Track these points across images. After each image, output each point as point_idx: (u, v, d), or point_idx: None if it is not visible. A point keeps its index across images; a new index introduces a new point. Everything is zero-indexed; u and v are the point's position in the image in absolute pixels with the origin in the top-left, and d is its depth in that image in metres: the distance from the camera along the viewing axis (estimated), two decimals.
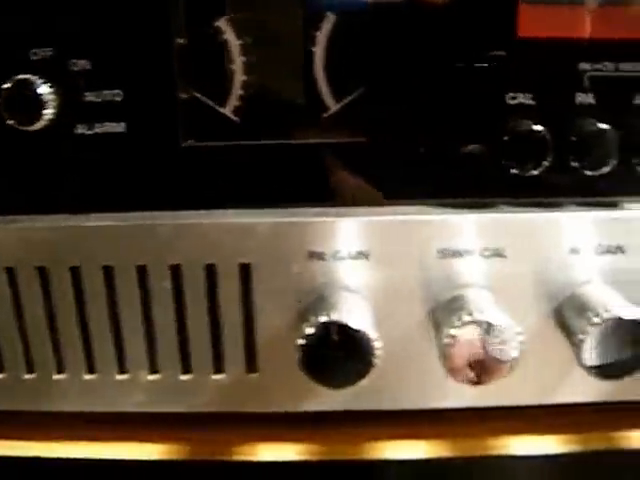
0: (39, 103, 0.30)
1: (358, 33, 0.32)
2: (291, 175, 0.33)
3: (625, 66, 0.32)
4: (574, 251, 0.33)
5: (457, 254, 0.32)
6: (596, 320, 0.29)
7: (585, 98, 0.32)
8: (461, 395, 0.33)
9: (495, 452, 0.34)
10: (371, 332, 0.29)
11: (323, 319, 0.29)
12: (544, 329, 0.32)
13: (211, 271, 0.32)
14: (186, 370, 0.33)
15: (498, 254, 0.32)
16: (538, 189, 0.32)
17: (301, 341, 0.29)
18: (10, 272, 0.32)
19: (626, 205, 0.33)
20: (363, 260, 0.32)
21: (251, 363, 0.33)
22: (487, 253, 0.32)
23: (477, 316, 0.29)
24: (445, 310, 0.31)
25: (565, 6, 0.31)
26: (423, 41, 0.31)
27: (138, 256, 0.32)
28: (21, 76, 0.29)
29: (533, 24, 0.31)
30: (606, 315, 0.29)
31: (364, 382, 0.30)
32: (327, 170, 0.33)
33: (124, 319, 0.32)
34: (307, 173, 0.33)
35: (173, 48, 0.31)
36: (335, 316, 0.29)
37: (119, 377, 0.33)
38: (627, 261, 0.33)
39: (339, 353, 0.29)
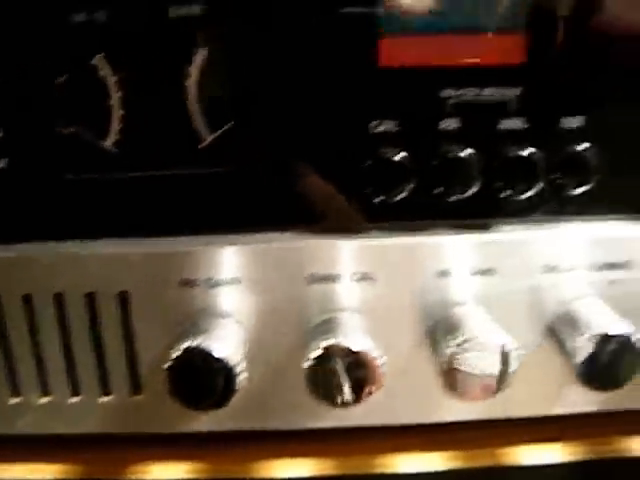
0: None
1: (227, 68, 0.33)
2: (168, 205, 0.34)
3: (487, 91, 0.33)
4: (444, 274, 0.33)
5: (328, 279, 0.33)
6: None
7: (449, 124, 0.33)
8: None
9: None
10: (234, 358, 0.31)
11: (186, 345, 0.30)
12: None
13: (92, 299, 0.33)
14: (75, 393, 0.35)
15: (368, 278, 0.33)
16: (405, 213, 0.33)
17: (167, 364, 0.30)
18: None
19: (496, 227, 0.34)
20: (236, 285, 0.33)
21: (135, 386, 0.34)
22: (356, 277, 0.33)
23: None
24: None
25: (425, 36, 0.32)
26: (287, 72, 0.32)
27: (24, 285, 0.33)
28: None
29: (394, 54, 0.32)
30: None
31: (229, 405, 0.31)
32: (202, 199, 0.34)
33: (14, 344, 0.34)
34: (183, 202, 0.34)
35: (53, 86, 0.33)
36: (198, 342, 0.30)
37: (12, 400, 0.35)
38: (499, 283, 0.33)
39: (201, 378, 0.30)
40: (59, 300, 0.34)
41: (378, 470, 0.35)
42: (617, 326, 0.31)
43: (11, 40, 0.31)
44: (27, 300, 0.34)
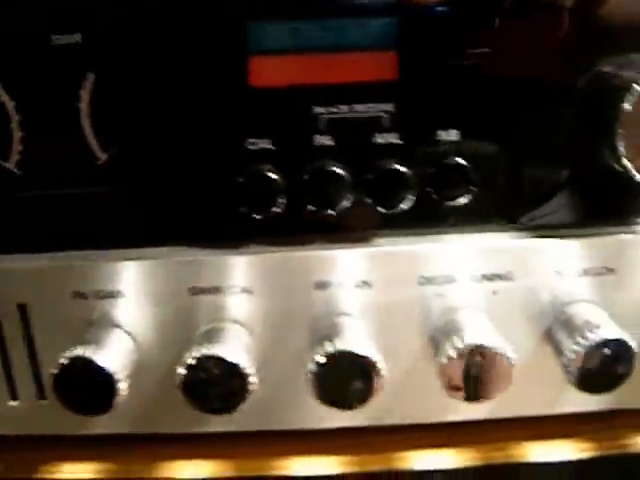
0: None
1: (113, 91, 0.34)
2: (67, 220, 0.36)
3: (360, 107, 0.33)
4: (323, 285, 0.35)
5: (212, 291, 0.35)
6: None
7: (322, 140, 0.34)
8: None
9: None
10: (115, 371, 0.33)
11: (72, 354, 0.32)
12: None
13: None
14: None
15: (247, 291, 0.35)
16: (281, 229, 0.34)
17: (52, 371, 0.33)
18: None
19: (372, 240, 0.35)
20: (120, 299, 0.35)
21: (41, 391, 0.37)
22: (237, 290, 0.35)
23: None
24: None
25: (295, 54, 0.33)
26: (165, 94, 0.34)
27: None
28: None
29: (265, 73, 0.33)
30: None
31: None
32: (99, 215, 0.36)
33: None
34: (81, 219, 0.36)
35: None
36: (81, 351, 0.33)
37: None
38: (378, 295, 0.34)
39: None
40: None
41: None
42: (489, 338, 0.32)
43: None
44: None
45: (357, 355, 0.32)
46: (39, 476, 0.38)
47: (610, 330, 0.33)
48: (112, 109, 0.34)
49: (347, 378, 0.32)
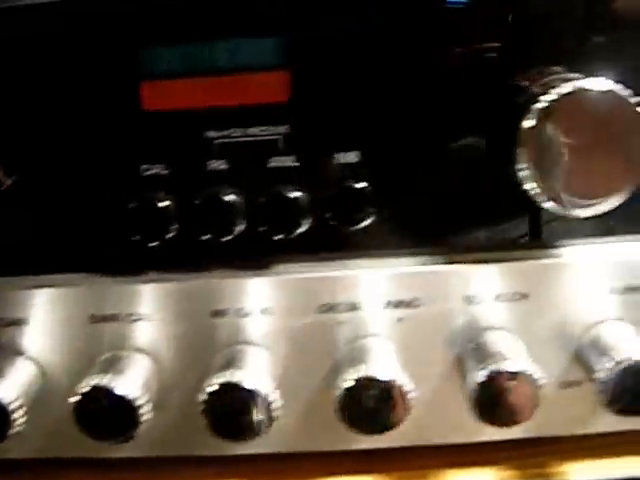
0: None
1: (14, 119, 0.34)
2: None
3: (253, 130, 0.33)
4: (220, 314, 0.34)
5: (109, 319, 0.34)
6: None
7: (216, 165, 0.33)
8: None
9: None
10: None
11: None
12: None
13: None
14: None
15: (146, 318, 0.34)
16: (176, 256, 0.34)
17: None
18: None
19: (271, 267, 0.34)
20: (24, 326, 0.35)
21: None
22: (135, 318, 0.34)
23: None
24: None
25: (187, 79, 0.32)
26: (60, 120, 0.33)
27: None
28: None
29: (157, 97, 0.33)
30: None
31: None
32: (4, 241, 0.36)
33: None
34: None
35: None
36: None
37: None
38: (279, 323, 0.34)
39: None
40: None
41: None
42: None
43: None
44: None
45: (243, 388, 0.31)
46: None
47: (515, 364, 0.31)
48: (11, 136, 0.34)
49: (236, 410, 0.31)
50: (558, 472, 0.36)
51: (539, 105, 0.30)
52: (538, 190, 0.30)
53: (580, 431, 0.35)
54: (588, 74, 0.31)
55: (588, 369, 0.33)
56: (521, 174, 0.30)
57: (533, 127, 0.30)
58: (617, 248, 0.34)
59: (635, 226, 0.34)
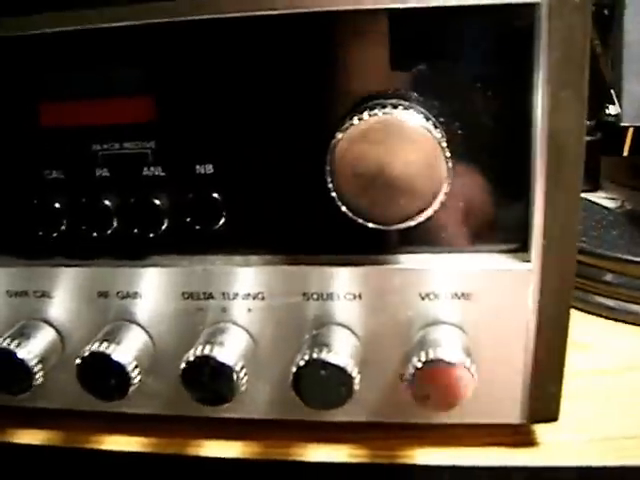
0: None
1: None
2: None
3: (128, 145, 0.39)
4: (104, 295, 0.41)
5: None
6: None
7: (101, 173, 0.40)
8: None
9: None
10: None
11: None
12: None
13: None
14: None
15: (47, 295, 0.42)
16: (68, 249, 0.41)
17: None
18: None
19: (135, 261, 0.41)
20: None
21: None
22: (38, 294, 0.42)
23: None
24: None
25: (75, 100, 0.40)
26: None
27: None
28: None
29: (52, 115, 0.40)
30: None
31: None
32: None
33: None
34: None
35: None
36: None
37: None
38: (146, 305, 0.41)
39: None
40: None
41: None
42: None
43: None
44: None
45: (112, 359, 0.38)
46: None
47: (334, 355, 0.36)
48: None
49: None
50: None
51: (346, 127, 0.34)
52: (345, 208, 0.35)
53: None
54: (406, 99, 0.35)
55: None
56: (332, 192, 0.35)
57: (340, 149, 0.35)
58: (447, 258, 0.38)
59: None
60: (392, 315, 0.39)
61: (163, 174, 0.39)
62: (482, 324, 0.38)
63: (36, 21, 0.38)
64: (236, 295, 0.40)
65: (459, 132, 0.37)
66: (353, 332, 0.39)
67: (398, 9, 0.34)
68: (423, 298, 0.39)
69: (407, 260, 0.39)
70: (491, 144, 0.36)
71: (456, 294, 0.38)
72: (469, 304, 0.38)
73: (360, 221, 0.36)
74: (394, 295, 0.39)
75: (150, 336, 0.41)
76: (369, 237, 0.38)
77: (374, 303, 0.39)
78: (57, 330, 0.43)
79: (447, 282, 0.38)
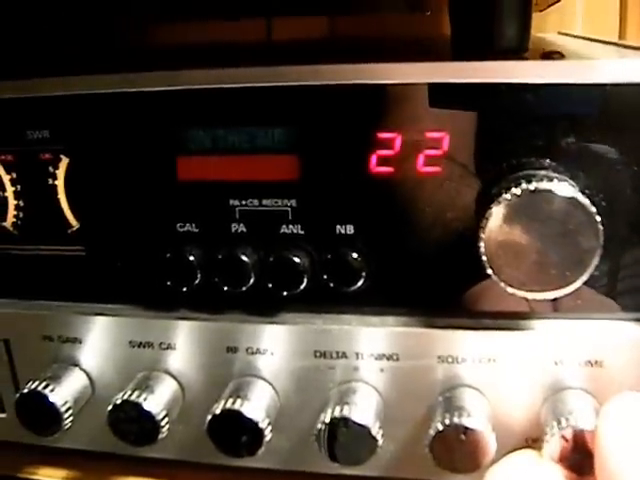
0: None
1: (81, 168, 0.43)
2: (46, 274, 0.45)
3: (267, 202, 0.40)
4: (233, 350, 0.42)
5: (145, 345, 0.43)
6: None
7: (237, 228, 0.41)
8: None
9: None
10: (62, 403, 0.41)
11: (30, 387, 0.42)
12: None
13: None
14: None
15: (170, 347, 0.42)
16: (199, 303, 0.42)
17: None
18: None
19: (276, 316, 0.41)
20: (80, 344, 0.44)
21: None
22: (164, 346, 0.42)
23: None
24: None
25: (215, 155, 0.40)
26: (116, 181, 0.42)
27: None
28: None
29: (190, 170, 0.41)
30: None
31: None
32: (71, 273, 0.45)
33: None
34: (57, 275, 0.45)
35: None
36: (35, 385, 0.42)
37: None
38: (278, 362, 0.41)
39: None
40: None
41: None
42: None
43: None
44: None
45: (244, 416, 0.38)
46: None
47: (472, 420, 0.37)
48: (84, 191, 0.43)
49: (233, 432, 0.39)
50: None
51: (503, 198, 0.35)
52: (494, 275, 0.36)
53: None
54: (556, 171, 0.36)
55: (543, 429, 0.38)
56: (482, 257, 0.36)
57: (495, 218, 0.35)
58: (582, 325, 0.39)
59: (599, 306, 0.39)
60: (524, 379, 0.40)
61: (302, 233, 0.40)
62: (613, 392, 0.39)
63: (182, 77, 0.39)
64: (370, 355, 0.40)
65: (603, 204, 0.38)
66: (484, 395, 0.40)
67: (553, 84, 0.35)
68: (556, 363, 0.39)
69: (543, 326, 0.39)
70: (633, 215, 0.37)
71: (589, 361, 0.39)
72: (601, 371, 0.39)
73: (508, 289, 0.36)
74: (527, 360, 0.39)
75: (276, 392, 0.42)
76: (508, 302, 0.39)
77: (507, 367, 0.40)
78: (179, 382, 0.43)
79: (580, 349, 0.39)
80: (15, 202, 0.45)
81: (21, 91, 0.42)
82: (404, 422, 0.41)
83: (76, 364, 0.44)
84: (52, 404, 0.42)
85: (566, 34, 0.68)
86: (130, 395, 0.41)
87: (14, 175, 0.44)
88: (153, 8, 0.65)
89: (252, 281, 0.40)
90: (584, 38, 0.61)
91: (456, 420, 0.38)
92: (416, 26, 0.75)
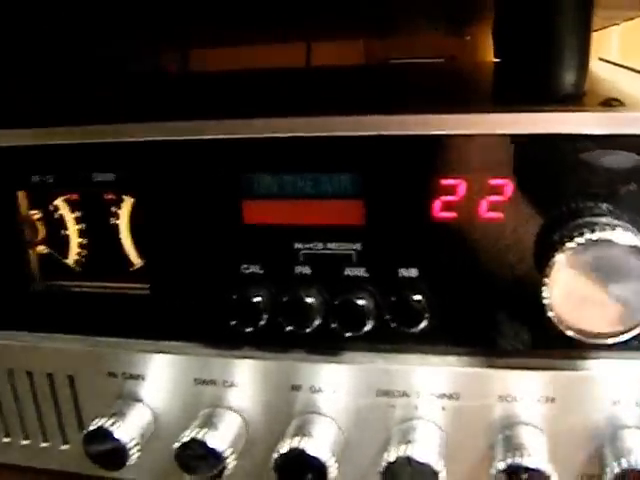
0: None
1: (146, 210, 0.45)
2: (106, 312, 0.47)
3: (331, 245, 0.42)
4: (296, 388, 0.43)
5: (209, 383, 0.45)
6: None
7: (301, 270, 0.42)
8: None
9: None
10: (127, 439, 0.43)
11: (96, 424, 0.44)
12: None
13: (51, 378, 0.48)
14: (44, 440, 0.49)
15: (233, 385, 0.44)
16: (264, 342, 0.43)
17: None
18: None
19: (340, 356, 0.43)
20: (143, 381, 0.45)
21: None
22: (228, 384, 0.44)
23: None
24: None
25: (280, 200, 0.42)
26: (180, 224, 0.44)
27: (6, 361, 0.48)
28: None
29: (255, 213, 0.42)
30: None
31: None
32: (132, 310, 0.47)
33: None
34: (117, 312, 0.47)
35: (23, 222, 0.47)
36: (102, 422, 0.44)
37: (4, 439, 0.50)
38: (344, 400, 0.43)
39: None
40: (30, 375, 0.48)
41: None
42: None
43: None
44: (10, 373, 0.48)
45: (307, 454, 0.40)
46: None
47: (533, 459, 0.39)
48: (143, 230, 0.45)
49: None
50: None
51: (567, 247, 0.37)
52: (556, 319, 0.38)
53: None
54: (616, 217, 0.38)
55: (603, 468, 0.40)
56: (545, 302, 0.38)
57: (559, 266, 0.37)
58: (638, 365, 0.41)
59: None
60: (583, 418, 0.41)
61: (366, 275, 0.41)
62: None
63: (252, 126, 0.41)
64: (431, 394, 0.42)
65: None
66: (542, 433, 0.42)
67: (615, 135, 0.37)
68: (614, 403, 0.41)
69: (600, 366, 0.41)
70: None
71: None
72: None
73: (569, 333, 0.38)
74: (586, 400, 0.41)
75: (340, 430, 0.43)
76: (566, 343, 0.40)
77: (566, 407, 0.41)
78: (243, 419, 0.44)
79: (638, 389, 0.41)
80: (78, 240, 0.47)
81: (89, 136, 0.43)
82: (464, 460, 0.42)
83: (140, 400, 0.46)
84: (119, 440, 0.43)
85: (607, 61, 0.69)
86: (197, 433, 0.42)
87: (78, 214, 0.46)
88: (198, 35, 0.67)
89: (317, 322, 0.42)
90: (627, 68, 0.63)
91: (518, 460, 0.39)
92: (452, 50, 0.77)
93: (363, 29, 0.68)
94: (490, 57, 0.79)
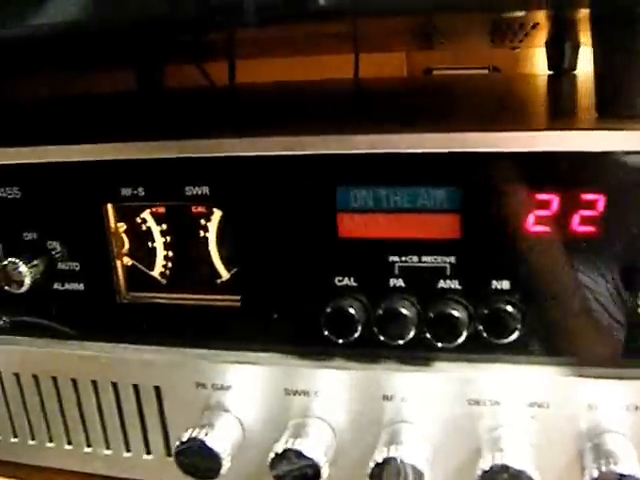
0: None
1: (238, 223, 0.46)
2: (194, 323, 0.48)
3: (426, 258, 0.43)
4: (388, 398, 0.45)
5: (300, 393, 0.46)
6: None
7: (396, 282, 0.44)
8: None
9: None
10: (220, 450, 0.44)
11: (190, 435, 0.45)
12: None
13: (137, 389, 0.49)
14: (127, 450, 0.50)
15: (321, 395, 0.45)
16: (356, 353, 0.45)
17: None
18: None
19: (431, 366, 0.44)
20: (231, 392, 0.47)
21: (168, 449, 0.49)
22: (320, 395, 0.46)
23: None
24: None
25: (375, 214, 0.43)
26: (274, 239, 0.45)
27: (90, 374, 0.49)
28: None
29: (350, 227, 0.44)
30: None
31: None
32: (219, 322, 0.48)
33: (86, 414, 0.50)
34: (206, 323, 0.48)
35: (112, 234, 0.48)
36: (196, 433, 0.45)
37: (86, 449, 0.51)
38: (436, 409, 0.44)
39: None
40: (114, 386, 0.49)
41: None
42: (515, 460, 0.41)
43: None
44: (94, 384, 0.49)
45: (401, 461, 0.42)
46: None
47: (625, 466, 0.40)
48: (234, 242, 0.46)
49: None
50: None
51: None
52: None
53: None
54: None
55: None
56: None
57: None
58: None
59: None
60: None
61: (459, 287, 0.43)
62: None
63: (350, 142, 0.42)
64: (521, 403, 0.43)
65: None
66: (629, 440, 0.43)
67: None
68: None
69: None
70: None
71: None
72: None
73: None
74: None
75: (429, 439, 0.45)
76: None
77: None
78: (332, 428, 0.46)
79: None
80: (164, 252, 0.48)
81: (185, 151, 0.44)
82: (553, 468, 0.44)
83: (228, 410, 0.47)
84: (212, 450, 0.45)
85: None
86: (293, 443, 0.43)
87: (164, 227, 0.47)
88: (245, 46, 0.68)
89: (412, 334, 0.43)
90: None
91: (612, 467, 0.41)
92: (492, 60, 0.79)
93: (411, 41, 0.70)
94: (534, 69, 0.82)
